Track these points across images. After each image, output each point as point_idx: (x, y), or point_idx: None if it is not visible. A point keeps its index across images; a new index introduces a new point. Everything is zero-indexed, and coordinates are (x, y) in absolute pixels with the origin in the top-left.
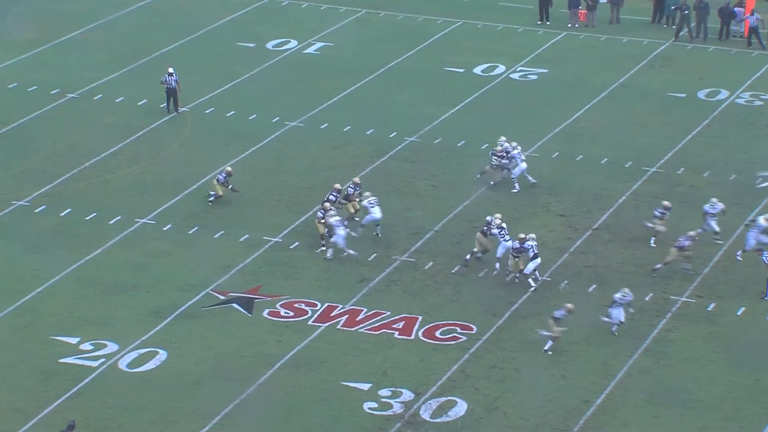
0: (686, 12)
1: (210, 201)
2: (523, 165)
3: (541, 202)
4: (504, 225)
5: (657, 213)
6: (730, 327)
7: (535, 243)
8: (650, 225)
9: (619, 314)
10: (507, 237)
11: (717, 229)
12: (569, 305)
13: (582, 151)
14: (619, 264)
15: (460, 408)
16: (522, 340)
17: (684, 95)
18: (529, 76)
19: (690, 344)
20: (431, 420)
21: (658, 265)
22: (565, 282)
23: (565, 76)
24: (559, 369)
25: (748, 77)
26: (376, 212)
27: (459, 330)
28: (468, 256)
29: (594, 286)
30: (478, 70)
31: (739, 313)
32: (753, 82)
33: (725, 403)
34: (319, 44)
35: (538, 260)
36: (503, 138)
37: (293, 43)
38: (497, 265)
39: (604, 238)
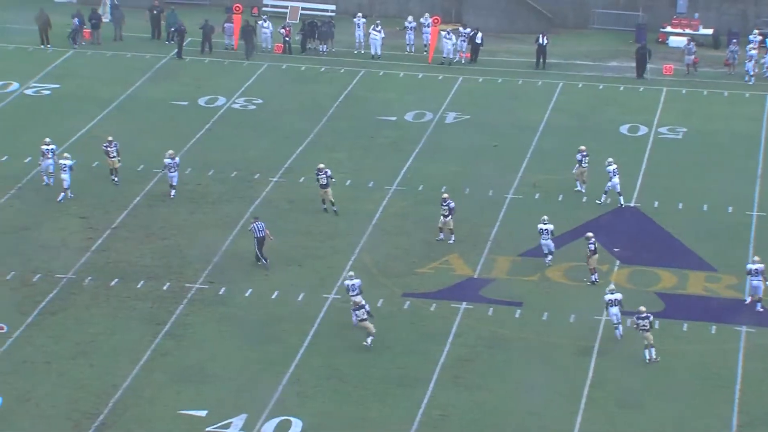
0: (183, 29)
1: None
2: (50, 161)
3: (63, 206)
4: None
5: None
6: (240, 307)
7: None
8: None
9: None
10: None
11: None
12: None
13: (98, 157)
14: (138, 258)
15: None
16: (50, 335)
17: (186, 103)
18: (42, 92)
19: (205, 326)
20: None
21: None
22: (90, 278)
23: (76, 90)
24: (87, 359)
25: (241, 85)
26: None
27: None
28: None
29: (116, 280)
30: None
31: (247, 295)
32: (245, 89)
33: (240, 375)
34: None
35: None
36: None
37: None
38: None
39: (123, 236)
